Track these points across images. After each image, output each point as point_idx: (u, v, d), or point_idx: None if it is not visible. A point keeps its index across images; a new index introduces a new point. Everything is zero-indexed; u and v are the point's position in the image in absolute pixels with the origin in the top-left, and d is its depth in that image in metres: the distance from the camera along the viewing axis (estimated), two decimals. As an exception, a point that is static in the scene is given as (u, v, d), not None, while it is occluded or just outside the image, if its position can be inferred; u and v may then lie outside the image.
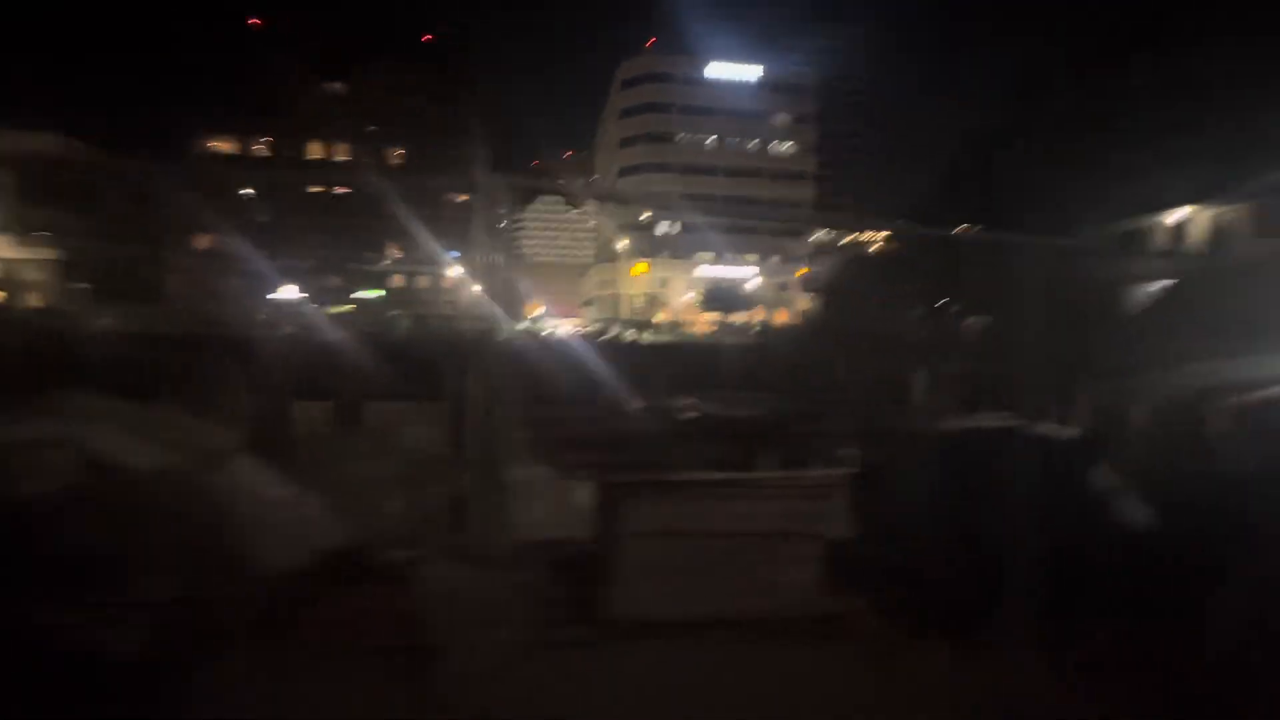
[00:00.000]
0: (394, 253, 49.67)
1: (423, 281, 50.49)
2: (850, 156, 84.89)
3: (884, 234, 30.15)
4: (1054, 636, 2.74)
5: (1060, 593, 2.73)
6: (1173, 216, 20.68)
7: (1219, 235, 19.45)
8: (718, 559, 3.06)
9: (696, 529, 3.06)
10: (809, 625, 3.03)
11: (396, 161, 50.49)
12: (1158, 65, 22.38)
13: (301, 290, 35.98)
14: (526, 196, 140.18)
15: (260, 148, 48.21)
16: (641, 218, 60.59)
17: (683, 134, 64.82)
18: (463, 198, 52.33)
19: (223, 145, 47.21)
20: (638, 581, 2.97)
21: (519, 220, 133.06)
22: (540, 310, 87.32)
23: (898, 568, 3.19)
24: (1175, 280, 17.10)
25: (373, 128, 49.18)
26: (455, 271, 45.84)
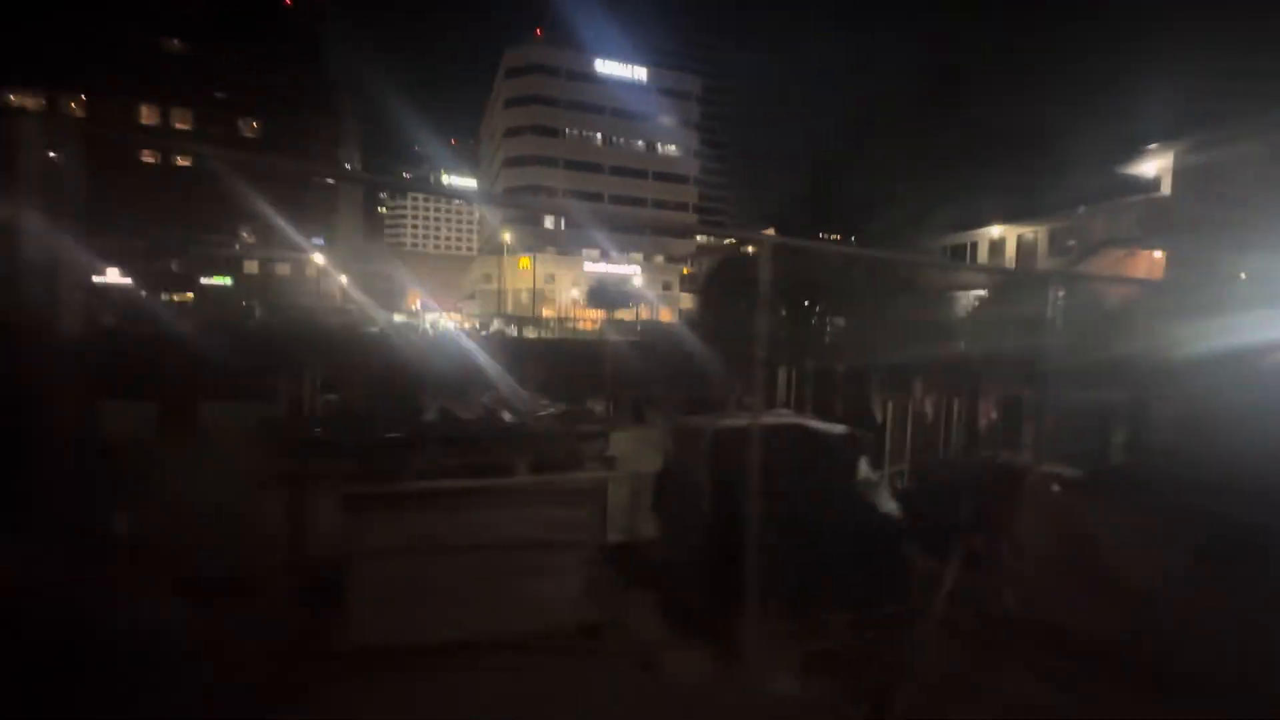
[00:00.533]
0: (246, 237, 44.84)
1: (281, 269, 46.11)
2: (726, 162, 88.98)
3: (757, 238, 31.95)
4: (802, 631, 2.87)
5: (810, 586, 2.95)
6: (990, 234, 24.04)
7: (1022, 251, 22.91)
8: (469, 575, 2.85)
9: (444, 543, 2.83)
10: (569, 640, 2.88)
11: (251, 135, 45.56)
12: (977, 107, 25.86)
13: (130, 275, 31.46)
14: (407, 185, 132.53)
15: (74, 105, 41.30)
16: (526, 212, 59.53)
17: (570, 129, 64.61)
18: (329, 181, 48.44)
19: (24, 99, 39.86)
20: (376, 605, 2.69)
21: (397, 208, 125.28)
22: (418, 303, 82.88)
23: (672, 569, 3.22)
24: (991, 289, 19.92)
25: (221, 95, 43.95)
26: (319, 260, 42.37)
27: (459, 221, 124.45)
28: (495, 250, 63.70)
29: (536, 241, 62.10)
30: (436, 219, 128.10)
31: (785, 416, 3.55)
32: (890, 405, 8.21)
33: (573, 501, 3.11)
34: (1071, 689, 2.56)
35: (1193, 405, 6.56)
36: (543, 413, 3.73)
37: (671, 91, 68.77)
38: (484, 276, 68.42)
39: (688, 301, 48.95)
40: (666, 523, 3.58)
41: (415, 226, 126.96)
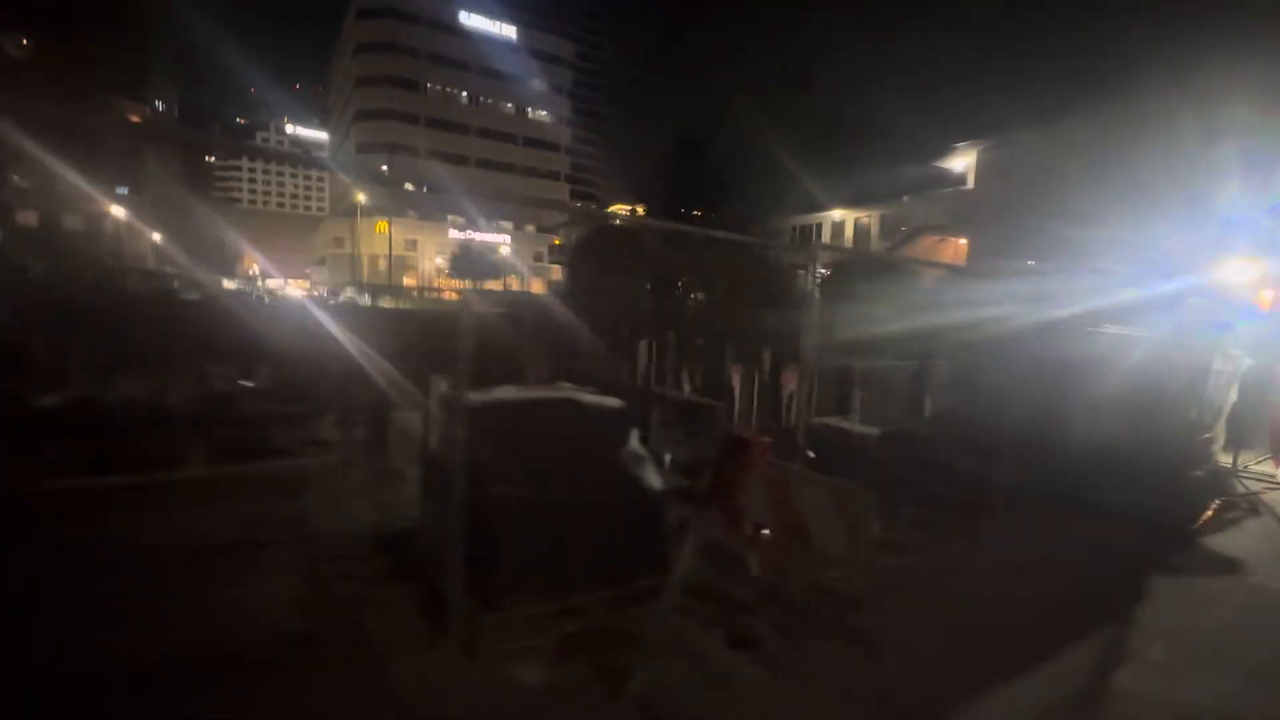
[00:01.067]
0: (17, 180, 37.01)
1: (69, 222, 38.79)
2: (599, 133, 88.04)
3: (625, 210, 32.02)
4: (558, 615, 2.78)
5: (570, 567, 2.89)
6: (832, 217, 25.99)
7: (859, 234, 25.05)
8: (158, 583, 2.49)
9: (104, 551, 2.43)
10: (283, 651, 2.56)
11: (17, 54, 37.29)
12: (826, 98, 27.50)
13: None
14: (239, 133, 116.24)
15: None
16: (383, 169, 54.95)
17: (432, 84, 60.21)
18: (134, 119, 41.10)
19: None
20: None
21: (230, 158, 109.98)
22: (255, 267, 74.14)
23: (431, 557, 2.99)
24: (832, 268, 21.55)
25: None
26: (120, 213, 36.13)
27: (305, 177, 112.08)
28: (348, 212, 58.27)
29: (396, 204, 57.72)
30: (280, 173, 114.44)
31: (562, 390, 3.39)
32: (739, 376, 8.54)
33: (278, 493, 2.72)
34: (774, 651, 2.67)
35: (963, 376, 7.47)
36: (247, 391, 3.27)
37: (543, 54, 66.28)
38: (335, 240, 62.47)
39: (559, 273, 48.14)
40: (430, 507, 3.32)
41: (253, 180, 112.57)
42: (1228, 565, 4.42)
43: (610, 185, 79.82)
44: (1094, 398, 5.81)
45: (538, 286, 50.31)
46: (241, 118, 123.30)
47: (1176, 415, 6.56)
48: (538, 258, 59.52)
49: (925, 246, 20.50)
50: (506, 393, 3.17)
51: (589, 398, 3.25)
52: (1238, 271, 8.74)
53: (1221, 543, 4.89)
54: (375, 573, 3.08)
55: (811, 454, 3.96)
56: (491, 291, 44.42)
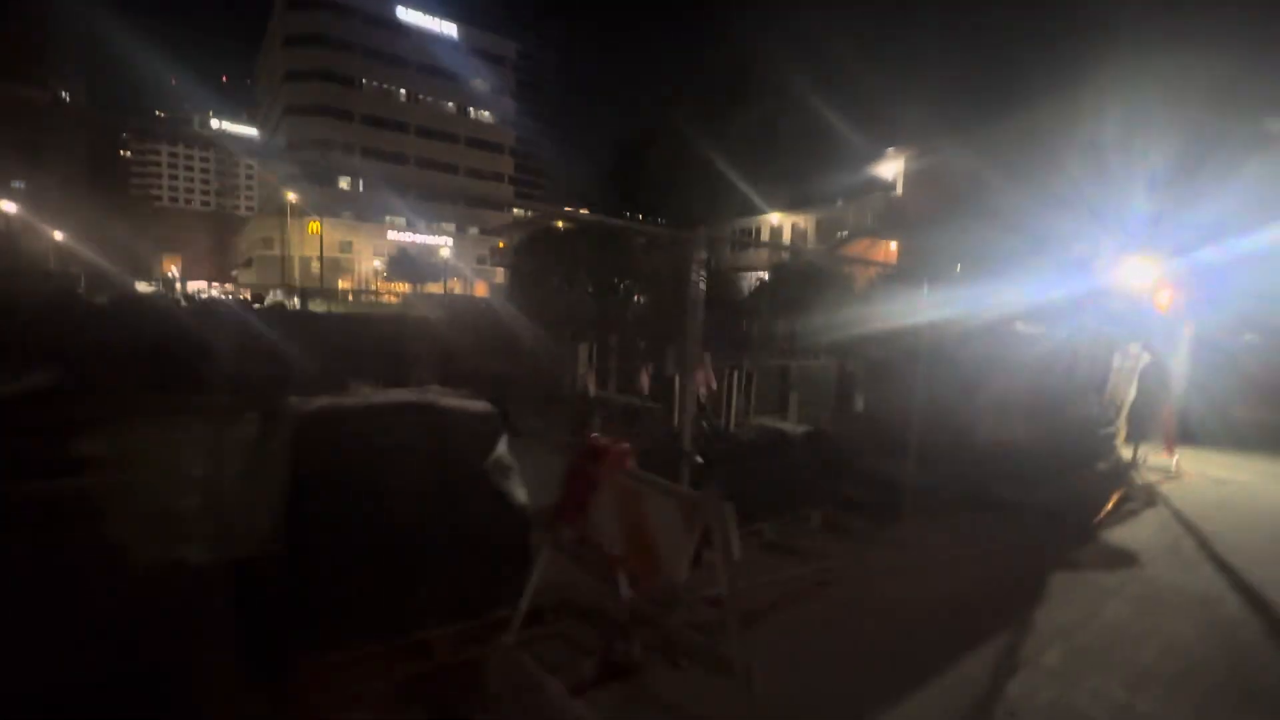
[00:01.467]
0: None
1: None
2: (544, 134, 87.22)
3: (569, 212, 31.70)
4: (397, 654, 2.47)
5: (416, 597, 2.57)
6: (771, 220, 26.33)
7: (796, 238, 25.46)
8: None
9: None
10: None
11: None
12: (766, 103, 27.96)
13: None
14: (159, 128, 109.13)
15: None
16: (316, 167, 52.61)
17: (368, 80, 58.08)
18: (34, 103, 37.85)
19: None
20: None
21: (147, 152, 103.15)
22: (174, 269, 69.85)
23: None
24: (769, 271, 21.73)
25: None
26: (10, 209, 33.13)
27: (233, 174, 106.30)
28: (278, 211, 55.44)
29: (329, 204, 55.32)
30: (204, 169, 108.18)
31: (421, 394, 3.00)
32: (647, 376, 8.30)
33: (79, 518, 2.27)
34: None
35: (882, 375, 7.47)
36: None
37: (486, 54, 65.01)
38: (263, 241, 59.30)
39: (504, 276, 47.21)
40: (265, 531, 2.87)
41: (174, 178, 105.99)
42: (1124, 559, 4.45)
43: (556, 188, 79.10)
44: (1001, 396, 5.85)
45: (482, 290, 49.10)
46: (161, 110, 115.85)
47: (1079, 411, 6.74)
48: (481, 260, 58.20)
49: (859, 249, 20.96)
50: (354, 398, 2.77)
51: (450, 401, 2.88)
52: (1136, 273, 9.14)
53: (1120, 536, 4.94)
54: (197, 610, 2.62)
55: (701, 459, 3.72)
56: (432, 295, 43.07)
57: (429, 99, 61.82)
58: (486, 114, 66.63)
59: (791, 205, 25.76)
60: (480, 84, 65.68)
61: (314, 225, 53.68)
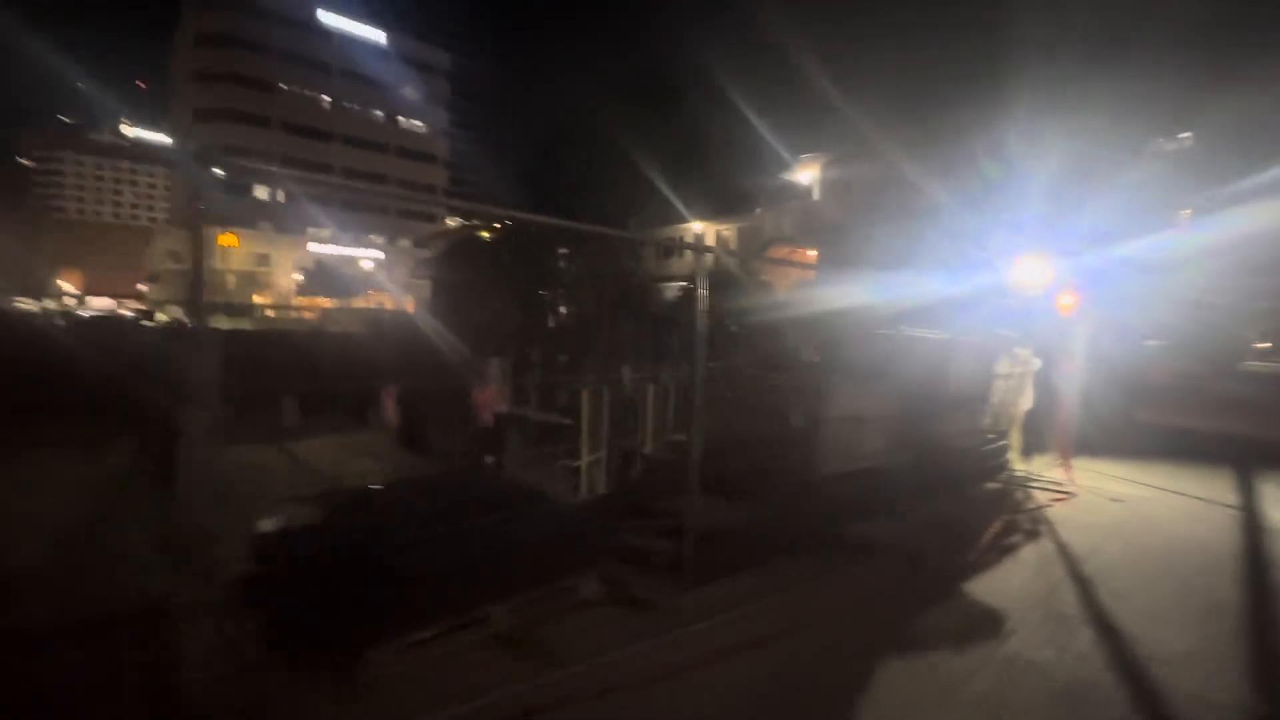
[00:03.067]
0: None
1: None
2: (479, 146, 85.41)
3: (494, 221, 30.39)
4: None
5: None
6: (694, 229, 25.59)
7: (720, 246, 24.78)
8: None
9: None
10: None
11: None
12: (687, 112, 27.48)
13: None
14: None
15: None
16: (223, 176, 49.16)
17: (288, 85, 55.23)
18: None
19: None
20: None
21: (49, 160, 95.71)
22: (72, 284, 64.78)
23: None
24: (688, 281, 20.95)
25: None
26: None
27: (148, 186, 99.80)
28: (186, 223, 51.61)
29: (246, 213, 51.96)
30: (117, 179, 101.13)
31: None
32: (587, 394, 7.10)
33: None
34: None
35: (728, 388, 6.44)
36: None
37: (417, 62, 63.13)
38: (171, 254, 55.16)
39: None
40: None
41: (81, 188, 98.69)
42: (985, 624, 3.42)
43: (493, 200, 77.16)
44: (855, 408, 4.83)
45: (412, 304, 46.72)
46: (69, 118, 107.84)
47: (960, 424, 5.84)
48: (412, 273, 55.75)
49: (779, 257, 20.38)
50: None
51: None
52: (1033, 273, 8.51)
53: (987, 587, 3.94)
54: None
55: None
56: (353, 310, 40.62)
57: (355, 107, 59.34)
58: (419, 124, 64.63)
59: (714, 214, 25.10)
60: (411, 93, 63.71)
61: (225, 238, 50.26)
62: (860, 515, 4.54)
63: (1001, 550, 4.57)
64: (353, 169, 59.12)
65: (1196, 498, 6.27)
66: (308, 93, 56.45)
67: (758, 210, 22.43)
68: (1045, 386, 7.50)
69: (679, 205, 24.83)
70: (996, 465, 6.74)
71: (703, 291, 3.57)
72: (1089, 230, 12.95)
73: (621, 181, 24.50)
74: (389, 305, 47.97)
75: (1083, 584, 4.00)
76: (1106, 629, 3.38)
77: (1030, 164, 13.84)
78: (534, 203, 29.68)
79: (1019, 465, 7.01)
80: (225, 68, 52.04)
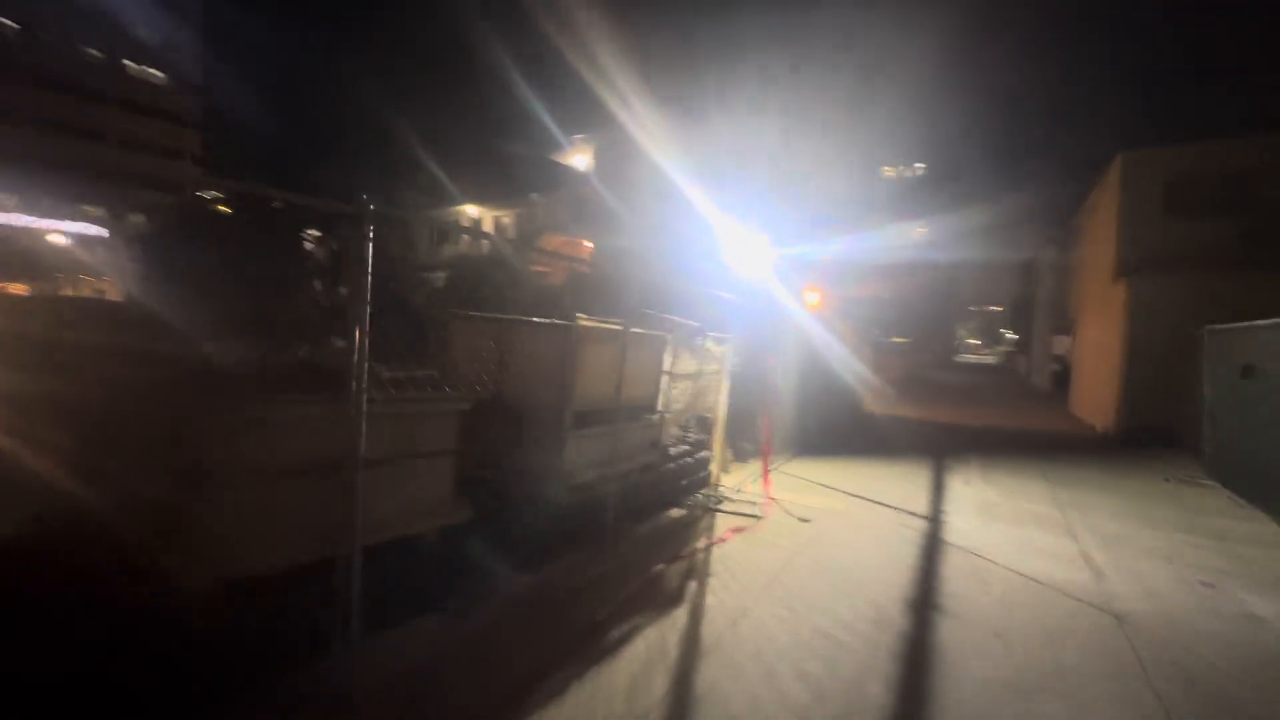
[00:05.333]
0: None
1: None
2: (243, 107, 73.08)
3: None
4: None
5: None
6: (469, 213, 23.14)
7: (497, 228, 22.64)
8: None
9: None
10: None
11: None
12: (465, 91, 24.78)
13: None
14: None
15: None
16: None
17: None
18: None
19: None
20: None
21: None
22: None
23: None
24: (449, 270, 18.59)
25: None
26: None
27: None
28: None
29: None
30: None
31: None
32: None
33: None
34: None
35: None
36: None
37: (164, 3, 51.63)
38: None
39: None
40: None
41: None
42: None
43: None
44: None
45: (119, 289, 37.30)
46: None
47: (633, 440, 4.48)
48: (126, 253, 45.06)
49: (554, 246, 18.87)
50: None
51: None
52: (750, 257, 7.78)
53: (578, 698, 2.42)
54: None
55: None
56: (34, 298, 31.04)
57: (54, 41, 46.60)
58: (158, 74, 52.89)
59: (490, 198, 22.87)
60: (148, 35, 51.94)
61: None
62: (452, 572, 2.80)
63: (604, 649, 3.03)
64: (53, 121, 46.38)
65: (888, 505, 5.73)
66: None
67: (533, 196, 20.71)
68: (756, 386, 6.65)
69: (451, 187, 22.23)
70: (692, 483, 5.58)
71: None
72: (825, 229, 13.25)
73: (384, 156, 21.23)
74: (107, 291, 37.98)
75: (712, 674, 2.68)
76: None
77: (777, 161, 13.90)
78: (275, 166, 24.81)
79: (722, 479, 5.99)
80: None
